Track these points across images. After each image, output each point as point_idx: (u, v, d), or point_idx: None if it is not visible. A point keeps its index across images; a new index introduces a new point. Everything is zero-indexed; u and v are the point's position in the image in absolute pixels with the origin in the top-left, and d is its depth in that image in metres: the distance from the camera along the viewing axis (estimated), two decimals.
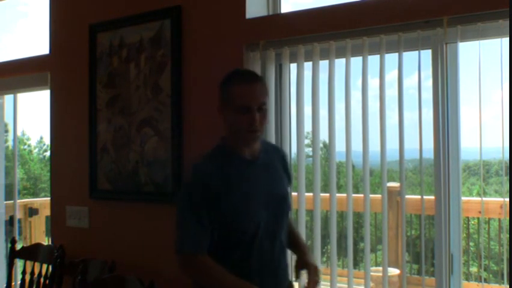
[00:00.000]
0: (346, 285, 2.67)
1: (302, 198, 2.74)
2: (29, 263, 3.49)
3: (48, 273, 3.24)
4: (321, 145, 2.90)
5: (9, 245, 3.57)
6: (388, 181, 2.63)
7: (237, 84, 1.92)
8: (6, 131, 4.86)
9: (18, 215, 4.57)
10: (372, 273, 2.81)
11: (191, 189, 1.94)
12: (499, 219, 4.56)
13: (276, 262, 2.03)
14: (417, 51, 2.45)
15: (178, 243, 1.93)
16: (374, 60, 2.55)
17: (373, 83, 2.57)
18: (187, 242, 1.91)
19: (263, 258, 1.97)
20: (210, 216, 1.90)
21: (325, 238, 3.47)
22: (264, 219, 1.95)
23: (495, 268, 5.02)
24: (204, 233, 1.91)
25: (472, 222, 4.87)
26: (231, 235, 1.94)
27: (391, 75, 2.54)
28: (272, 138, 2.80)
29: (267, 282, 1.96)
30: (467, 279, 4.62)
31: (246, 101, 1.89)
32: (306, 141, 2.99)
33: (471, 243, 4.96)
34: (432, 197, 2.45)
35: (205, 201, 1.90)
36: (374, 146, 2.55)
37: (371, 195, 2.61)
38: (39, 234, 5.20)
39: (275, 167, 2.09)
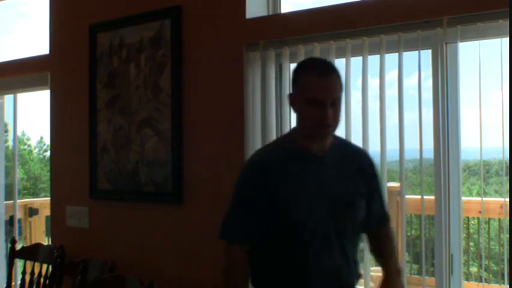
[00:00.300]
0: None
1: None
2: (29, 263, 3.49)
3: (48, 273, 3.24)
4: None
5: (9, 245, 3.57)
6: (388, 181, 2.63)
7: (312, 75, 1.79)
8: (6, 131, 4.86)
9: (18, 215, 4.57)
10: (372, 273, 2.80)
11: (243, 178, 1.92)
12: (499, 219, 4.56)
13: (334, 274, 1.86)
14: (417, 51, 2.45)
15: (220, 227, 1.90)
16: (374, 60, 2.55)
17: (373, 83, 2.57)
18: (225, 229, 1.89)
19: (317, 265, 1.83)
20: (260, 209, 1.83)
21: None
22: (320, 221, 1.83)
23: (495, 268, 5.01)
24: (246, 224, 1.86)
25: (472, 222, 4.87)
26: (281, 233, 1.85)
27: (391, 75, 2.54)
28: (272, 138, 2.79)
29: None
30: (467, 279, 4.62)
31: (320, 94, 1.76)
32: None
33: (471, 243, 4.95)
34: (433, 197, 2.45)
35: (256, 192, 1.84)
36: (374, 146, 2.55)
37: None
38: (39, 234, 5.20)
39: (346, 169, 1.92)
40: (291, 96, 1.89)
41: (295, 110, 1.88)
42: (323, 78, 1.78)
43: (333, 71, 1.81)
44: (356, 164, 1.96)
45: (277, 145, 1.98)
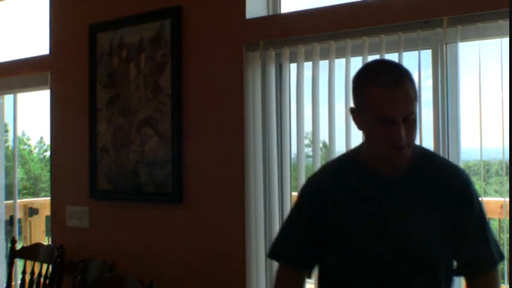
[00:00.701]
0: None
1: None
2: (29, 263, 3.49)
3: (48, 273, 3.24)
4: (321, 145, 2.89)
5: (9, 245, 3.57)
6: None
7: (378, 86, 1.44)
8: (6, 131, 4.86)
9: (18, 214, 4.57)
10: None
11: (299, 198, 1.73)
12: (499, 219, 4.55)
13: None
14: (417, 51, 2.45)
15: (271, 250, 1.75)
16: None
17: None
18: (274, 248, 1.73)
19: None
20: (315, 233, 1.62)
21: None
22: (375, 267, 1.54)
23: None
24: (296, 246, 1.67)
25: None
26: (329, 268, 1.66)
27: None
28: (273, 138, 2.79)
29: None
30: None
31: (389, 112, 1.43)
32: (306, 141, 2.98)
33: None
34: None
35: (310, 215, 1.63)
36: None
37: None
38: (39, 234, 5.19)
39: (426, 200, 1.54)
40: (353, 111, 1.56)
41: (360, 128, 1.57)
42: (394, 90, 1.43)
43: (406, 78, 1.47)
44: (444, 191, 1.55)
45: (341, 164, 1.69)
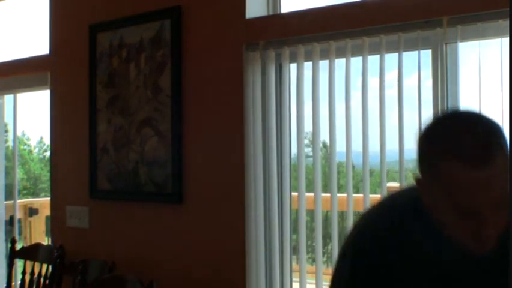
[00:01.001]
0: None
1: (302, 198, 2.74)
2: (29, 263, 3.49)
3: (48, 273, 3.24)
4: (321, 145, 2.89)
5: (9, 245, 3.57)
6: (388, 181, 2.62)
7: (462, 163, 1.00)
8: (6, 131, 4.86)
9: (18, 215, 4.57)
10: None
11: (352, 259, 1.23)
12: None
13: None
14: (417, 51, 2.44)
15: None
16: (374, 60, 2.55)
17: (373, 83, 2.57)
18: None
19: None
20: None
21: (325, 238, 3.46)
22: None
23: None
24: None
25: None
26: None
27: (391, 75, 2.54)
28: (272, 138, 2.79)
29: None
30: None
31: (475, 202, 1.01)
32: (306, 141, 2.99)
33: None
34: None
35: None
36: (374, 146, 2.55)
37: (371, 195, 2.61)
38: (39, 234, 5.19)
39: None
40: (420, 181, 1.12)
41: (434, 211, 1.11)
42: (482, 171, 0.99)
43: (497, 148, 1.00)
44: None
45: (398, 224, 1.17)
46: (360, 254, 1.18)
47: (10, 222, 4.42)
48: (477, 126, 1.04)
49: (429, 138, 1.08)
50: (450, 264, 1.12)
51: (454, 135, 1.03)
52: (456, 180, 1.00)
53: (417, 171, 1.11)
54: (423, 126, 1.12)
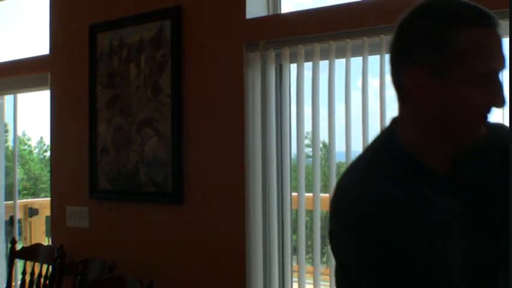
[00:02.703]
0: None
1: (302, 199, 2.74)
2: (29, 263, 3.49)
3: (49, 274, 3.24)
4: (321, 145, 2.89)
5: (9, 245, 3.57)
6: None
7: (477, 27, 1.04)
8: (6, 131, 4.86)
9: (18, 215, 4.57)
10: None
11: (371, 227, 1.01)
12: None
13: None
14: None
15: None
16: (374, 60, 2.55)
17: (373, 83, 2.57)
18: None
19: None
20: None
21: (325, 238, 3.46)
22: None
23: None
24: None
25: None
26: None
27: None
28: (272, 138, 2.79)
29: None
30: None
31: (498, 61, 1.04)
32: (306, 141, 2.98)
33: None
34: None
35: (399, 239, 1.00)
36: None
37: None
38: (39, 235, 5.19)
39: (495, 193, 1.09)
40: (427, 77, 1.04)
41: (430, 100, 1.05)
42: (496, 32, 1.07)
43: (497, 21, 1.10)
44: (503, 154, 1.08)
45: (385, 165, 1.12)
46: (367, 220, 1.01)
47: (10, 222, 4.42)
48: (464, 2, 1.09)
49: (440, 15, 1.07)
50: (431, 198, 1.05)
51: (466, 4, 1.06)
52: (484, 44, 1.02)
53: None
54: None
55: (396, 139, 1.15)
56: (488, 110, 1.06)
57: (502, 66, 1.04)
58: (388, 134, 1.20)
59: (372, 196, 1.03)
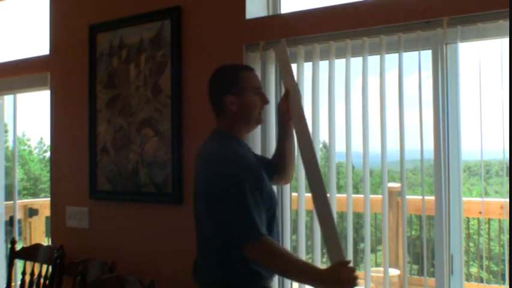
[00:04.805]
0: None
1: (302, 199, 2.74)
2: (29, 264, 3.49)
3: (48, 274, 3.24)
4: (321, 145, 2.89)
5: (9, 246, 3.57)
6: (389, 181, 2.62)
7: (246, 70, 2.10)
8: (6, 131, 4.86)
9: (18, 215, 4.57)
10: (372, 274, 2.80)
11: (244, 174, 1.88)
12: (499, 220, 4.56)
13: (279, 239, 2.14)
14: (417, 52, 2.45)
15: (251, 229, 1.82)
16: (374, 60, 2.55)
17: (373, 83, 2.57)
18: (260, 226, 1.83)
19: (279, 234, 2.10)
20: (262, 198, 1.91)
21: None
22: (276, 199, 2.05)
23: (495, 269, 5.01)
24: (263, 216, 1.89)
25: (472, 223, 4.87)
26: (267, 215, 1.94)
27: (391, 75, 2.54)
28: (272, 138, 2.79)
29: None
30: (467, 279, 4.62)
31: (259, 83, 2.10)
32: None
33: (471, 244, 4.96)
34: (433, 198, 2.44)
35: (257, 183, 1.91)
36: (374, 146, 2.55)
37: (371, 196, 2.61)
38: (39, 235, 5.20)
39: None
40: (233, 97, 2.04)
41: (238, 107, 2.03)
42: (253, 71, 2.12)
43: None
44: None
45: (234, 142, 2.04)
46: (253, 166, 1.97)
47: (10, 222, 4.42)
48: (232, 63, 2.28)
49: (233, 70, 2.13)
50: (251, 155, 2.09)
51: (237, 64, 2.37)
52: (250, 76, 2.08)
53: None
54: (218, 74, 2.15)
55: (226, 132, 2.09)
56: (263, 107, 2.09)
57: (262, 86, 2.20)
58: (223, 133, 2.10)
59: (246, 154, 2.03)
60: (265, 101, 2.09)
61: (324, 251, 4.07)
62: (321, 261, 2.90)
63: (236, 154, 1.96)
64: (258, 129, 2.81)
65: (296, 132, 2.10)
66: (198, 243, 2.06)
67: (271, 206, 1.98)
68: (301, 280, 2.13)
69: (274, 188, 2.27)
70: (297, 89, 2.16)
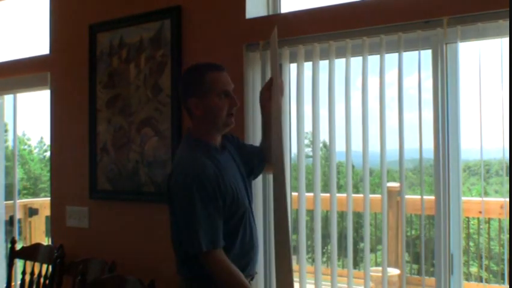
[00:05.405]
0: (346, 286, 2.67)
1: (302, 198, 2.74)
2: (29, 263, 3.49)
3: (48, 274, 3.24)
4: (321, 145, 2.89)
5: (9, 245, 3.57)
6: (388, 181, 2.62)
7: (213, 72, 2.00)
8: (6, 131, 4.86)
9: (18, 215, 4.57)
10: (372, 274, 2.81)
11: (202, 185, 1.90)
12: (499, 220, 4.56)
13: (256, 241, 2.13)
14: (417, 51, 2.45)
15: (203, 240, 1.88)
16: (374, 60, 2.55)
17: (373, 83, 2.57)
18: (211, 238, 1.90)
19: (252, 237, 2.08)
20: (220, 209, 1.94)
21: (325, 238, 3.46)
22: (247, 202, 2.08)
23: (495, 268, 5.01)
24: (220, 227, 1.94)
25: (472, 223, 4.87)
26: (231, 222, 1.99)
27: (391, 75, 2.54)
28: None
29: (254, 260, 2.10)
30: (467, 279, 4.62)
31: (226, 85, 2.00)
32: (306, 141, 2.98)
33: (471, 244, 4.96)
34: (433, 197, 2.44)
35: (217, 193, 1.92)
36: (374, 146, 2.55)
37: (370, 195, 2.61)
38: (39, 235, 5.20)
39: (234, 153, 2.16)
40: (195, 100, 1.99)
41: (203, 110, 1.99)
42: (222, 72, 2.03)
43: (224, 68, 2.05)
44: (233, 144, 2.21)
45: (197, 149, 2.00)
46: (210, 180, 1.92)
47: (10, 222, 4.42)
48: (200, 64, 2.12)
49: (196, 71, 2.05)
50: (219, 160, 2.02)
51: (206, 64, 2.08)
52: (217, 78, 2.00)
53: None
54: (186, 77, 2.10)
55: (193, 138, 2.06)
56: (231, 109, 2.02)
57: (231, 88, 2.03)
58: (190, 139, 2.07)
59: (204, 165, 1.95)
60: (233, 103, 2.01)
61: (324, 250, 4.07)
62: (321, 261, 2.90)
63: (194, 166, 1.93)
64: (259, 125, 2.81)
65: (272, 127, 2.15)
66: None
67: (236, 212, 2.01)
68: None
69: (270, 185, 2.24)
70: (278, 83, 2.16)
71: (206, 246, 1.89)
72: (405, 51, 2.47)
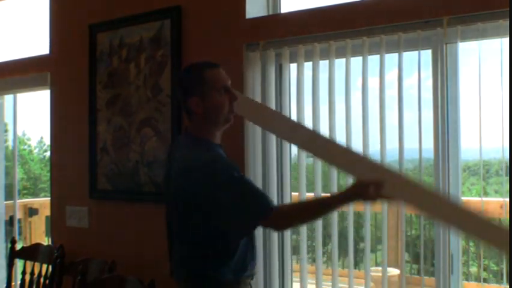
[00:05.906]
0: (347, 285, 2.67)
1: (302, 198, 2.74)
2: (29, 263, 3.49)
3: (48, 274, 3.24)
4: None
5: (9, 245, 3.57)
6: None
7: (211, 69, 2.01)
8: (6, 131, 4.86)
9: (18, 215, 4.57)
10: (372, 273, 2.81)
11: (227, 163, 1.99)
12: (499, 219, 4.56)
13: (255, 241, 2.16)
14: (417, 51, 2.45)
15: (265, 205, 1.89)
16: (374, 60, 2.55)
17: (373, 83, 2.57)
18: (270, 201, 1.94)
19: (252, 237, 2.10)
20: None
21: (325, 238, 3.47)
22: None
23: (495, 268, 5.01)
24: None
25: None
26: None
27: (391, 75, 2.54)
28: (272, 138, 2.79)
29: (254, 260, 2.10)
30: (467, 279, 4.62)
31: (225, 81, 2.01)
32: None
33: (471, 243, 4.95)
34: None
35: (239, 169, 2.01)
36: (374, 146, 2.55)
37: None
38: (39, 234, 5.20)
39: None
40: (196, 98, 1.98)
41: (204, 108, 1.97)
42: (219, 69, 2.05)
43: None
44: None
45: (206, 147, 2.02)
46: (233, 164, 2.00)
47: (10, 222, 4.42)
48: (196, 63, 2.11)
49: (194, 70, 2.05)
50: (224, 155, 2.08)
51: (202, 63, 2.07)
52: (216, 75, 2.00)
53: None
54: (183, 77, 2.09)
55: (194, 136, 2.05)
56: (232, 105, 2.02)
57: (229, 83, 2.03)
58: (193, 138, 2.05)
59: (216, 151, 2.03)
60: (233, 98, 2.01)
61: (324, 250, 4.07)
62: (322, 261, 2.90)
63: (210, 155, 1.97)
64: (258, 129, 2.81)
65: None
66: (173, 245, 2.24)
67: None
68: (329, 211, 2.21)
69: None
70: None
71: (272, 205, 1.93)
72: (405, 51, 2.47)
